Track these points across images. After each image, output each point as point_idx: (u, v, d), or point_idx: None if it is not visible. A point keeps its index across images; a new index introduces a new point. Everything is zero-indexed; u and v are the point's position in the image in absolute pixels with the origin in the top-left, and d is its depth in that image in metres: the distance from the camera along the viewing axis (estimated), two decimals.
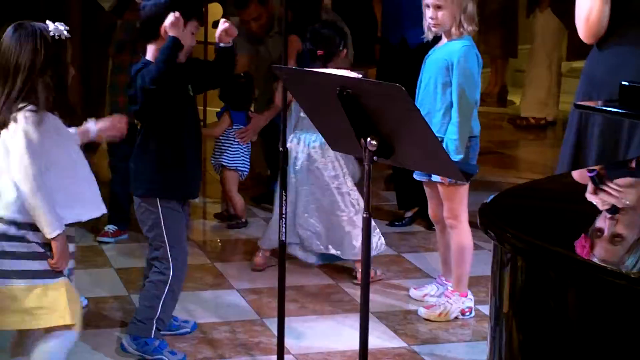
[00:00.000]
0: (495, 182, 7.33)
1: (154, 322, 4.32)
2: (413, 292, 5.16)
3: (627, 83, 3.37)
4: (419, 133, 2.97)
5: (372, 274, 5.33)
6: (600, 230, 2.53)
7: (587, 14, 4.02)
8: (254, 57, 6.81)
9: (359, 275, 5.32)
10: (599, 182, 2.87)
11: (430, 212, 5.03)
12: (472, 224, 5.83)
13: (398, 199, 6.56)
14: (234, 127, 6.27)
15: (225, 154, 6.31)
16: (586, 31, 4.06)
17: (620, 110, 3.49)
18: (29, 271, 3.56)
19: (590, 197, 2.82)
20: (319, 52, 5.32)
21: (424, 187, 4.96)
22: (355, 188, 5.35)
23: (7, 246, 3.55)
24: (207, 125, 8.28)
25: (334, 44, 5.38)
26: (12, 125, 3.48)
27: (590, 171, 2.78)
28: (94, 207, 3.72)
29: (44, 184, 3.49)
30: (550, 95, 9.96)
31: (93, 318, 4.76)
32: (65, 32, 3.54)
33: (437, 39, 4.79)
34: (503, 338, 2.52)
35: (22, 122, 3.47)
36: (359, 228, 5.22)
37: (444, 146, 4.59)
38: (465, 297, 4.88)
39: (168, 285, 4.32)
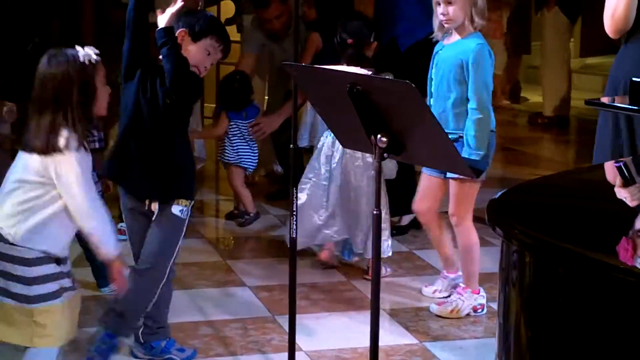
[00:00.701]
0: (509, 178, 7.33)
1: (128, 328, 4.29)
2: (425, 290, 5.16)
3: (638, 80, 3.38)
4: (428, 130, 2.98)
5: (382, 271, 5.35)
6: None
7: (613, 9, 4.10)
8: (269, 56, 6.82)
9: (370, 271, 5.35)
10: (628, 177, 2.86)
11: (417, 204, 4.97)
12: (482, 220, 5.81)
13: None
14: (231, 123, 6.27)
15: (226, 152, 6.33)
16: (611, 26, 4.14)
17: (630, 107, 3.49)
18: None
19: (620, 192, 2.81)
20: (349, 41, 5.33)
21: (424, 180, 4.91)
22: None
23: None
24: (204, 120, 8.28)
25: (364, 34, 5.41)
26: (61, 154, 3.52)
27: (617, 164, 2.77)
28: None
29: (97, 206, 3.57)
30: (563, 92, 9.94)
31: None
32: (94, 56, 3.59)
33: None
34: (511, 334, 2.52)
35: (72, 151, 3.52)
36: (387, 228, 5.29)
37: (465, 142, 4.59)
38: (478, 294, 4.88)
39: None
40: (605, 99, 4.15)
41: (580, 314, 2.31)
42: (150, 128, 4.10)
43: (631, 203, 2.72)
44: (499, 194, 2.77)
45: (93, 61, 3.59)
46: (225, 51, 4.24)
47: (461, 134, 4.62)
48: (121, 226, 5.94)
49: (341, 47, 5.39)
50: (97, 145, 5.11)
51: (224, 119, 6.30)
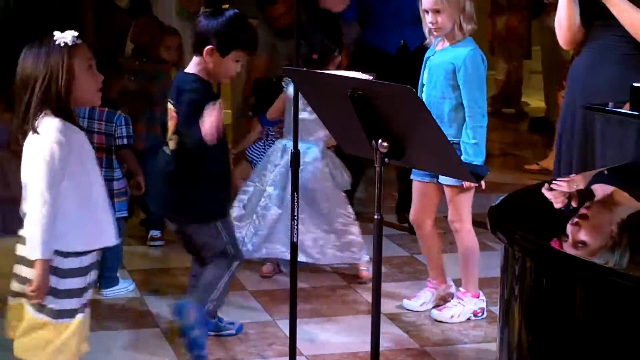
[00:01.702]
0: (510, 184, 7.32)
1: None
2: (407, 303, 5.03)
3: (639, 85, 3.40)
4: (429, 134, 2.98)
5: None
6: (567, 236, 2.55)
7: (558, 22, 4.18)
8: (275, 55, 6.81)
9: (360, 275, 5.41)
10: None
11: (412, 213, 4.95)
12: (482, 224, 5.82)
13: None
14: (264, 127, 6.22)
15: (250, 148, 6.26)
16: (559, 37, 4.22)
17: (631, 112, 3.50)
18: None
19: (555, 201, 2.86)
20: (314, 56, 5.32)
21: (415, 187, 4.91)
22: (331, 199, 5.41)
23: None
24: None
25: (328, 48, 5.39)
26: (40, 134, 3.40)
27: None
28: (108, 235, 3.55)
29: (55, 200, 3.36)
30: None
31: (105, 320, 4.77)
32: (69, 39, 3.42)
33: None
34: (512, 339, 2.52)
35: (52, 129, 3.39)
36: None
37: (463, 150, 4.59)
38: (477, 297, 4.88)
39: None
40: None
41: (581, 318, 2.32)
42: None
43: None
44: (500, 199, 2.77)
45: (69, 43, 3.42)
46: (252, 53, 4.46)
47: (456, 141, 4.62)
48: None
49: (305, 61, 5.32)
50: (125, 141, 5.14)
51: (258, 127, 6.24)
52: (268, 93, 6.21)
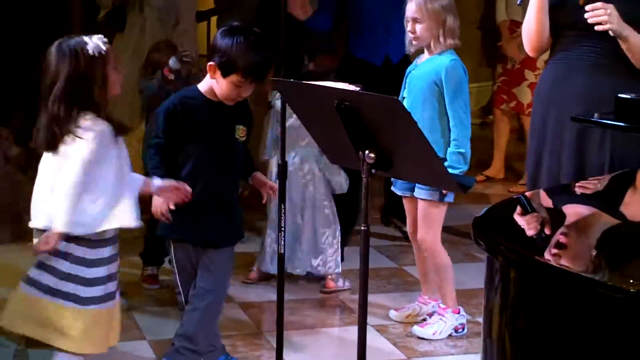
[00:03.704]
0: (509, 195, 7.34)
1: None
2: (393, 314, 5.05)
3: (628, 96, 3.41)
4: (416, 145, 2.98)
5: (340, 283, 5.40)
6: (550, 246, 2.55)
7: (526, 26, 4.10)
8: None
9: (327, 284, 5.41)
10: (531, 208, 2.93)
11: (409, 228, 4.92)
12: (468, 236, 5.78)
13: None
14: None
15: None
16: (526, 44, 4.15)
17: (616, 123, 3.51)
18: (61, 292, 3.60)
19: (521, 222, 2.85)
20: (311, 68, 5.34)
21: (404, 202, 4.89)
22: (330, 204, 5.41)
23: (53, 260, 3.60)
24: None
25: (327, 49, 5.43)
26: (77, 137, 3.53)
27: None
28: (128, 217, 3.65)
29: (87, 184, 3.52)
30: None
31: None
32: (103, 47, 3.54)
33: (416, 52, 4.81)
34: (495, 349, 2.52)
35: (88, 133, 3.52)
36: (331, 246, 5.37)
37: (449, 159, 4.56)
38: (458, 313, 4.83)
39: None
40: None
41: (564, 329, 2.31)
42: None
43: (528, 232, 2.75)
44: (484, 210, 2.77)
45: (103, 52, 3.54)
46: (257, 80, 4.08)
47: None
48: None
49: (313, 78, 5.28)
50: None
51: None
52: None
